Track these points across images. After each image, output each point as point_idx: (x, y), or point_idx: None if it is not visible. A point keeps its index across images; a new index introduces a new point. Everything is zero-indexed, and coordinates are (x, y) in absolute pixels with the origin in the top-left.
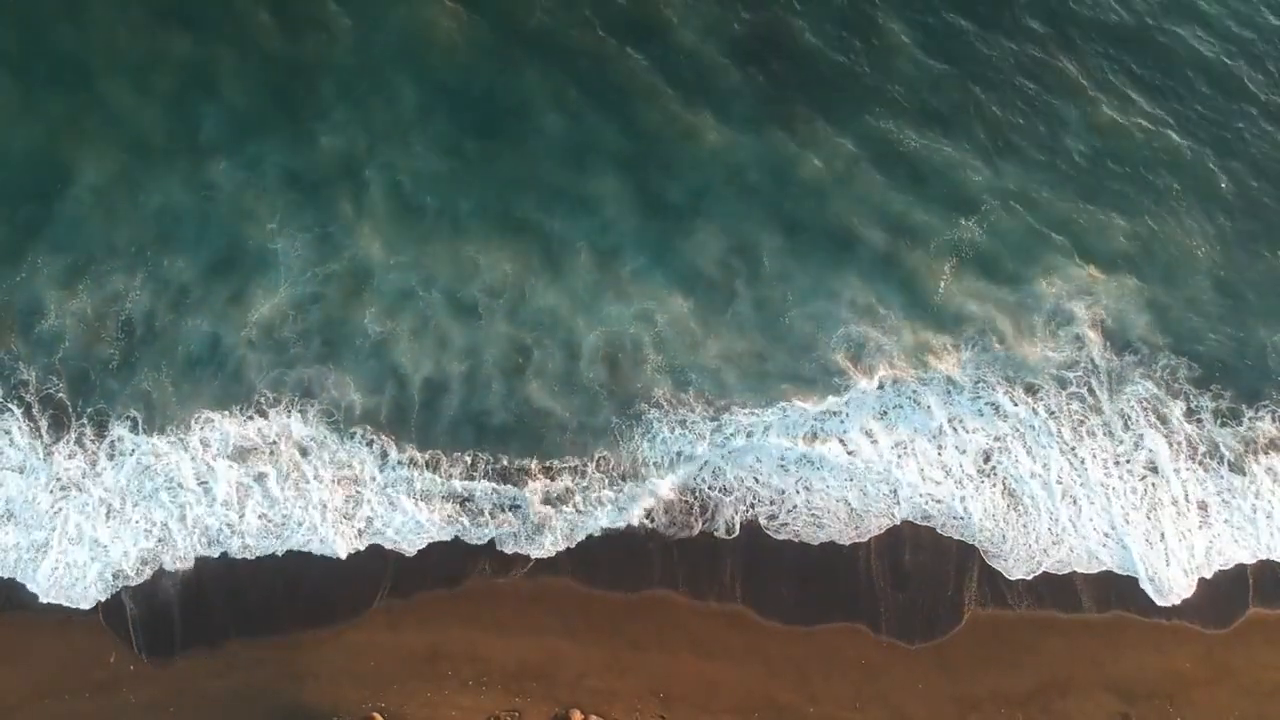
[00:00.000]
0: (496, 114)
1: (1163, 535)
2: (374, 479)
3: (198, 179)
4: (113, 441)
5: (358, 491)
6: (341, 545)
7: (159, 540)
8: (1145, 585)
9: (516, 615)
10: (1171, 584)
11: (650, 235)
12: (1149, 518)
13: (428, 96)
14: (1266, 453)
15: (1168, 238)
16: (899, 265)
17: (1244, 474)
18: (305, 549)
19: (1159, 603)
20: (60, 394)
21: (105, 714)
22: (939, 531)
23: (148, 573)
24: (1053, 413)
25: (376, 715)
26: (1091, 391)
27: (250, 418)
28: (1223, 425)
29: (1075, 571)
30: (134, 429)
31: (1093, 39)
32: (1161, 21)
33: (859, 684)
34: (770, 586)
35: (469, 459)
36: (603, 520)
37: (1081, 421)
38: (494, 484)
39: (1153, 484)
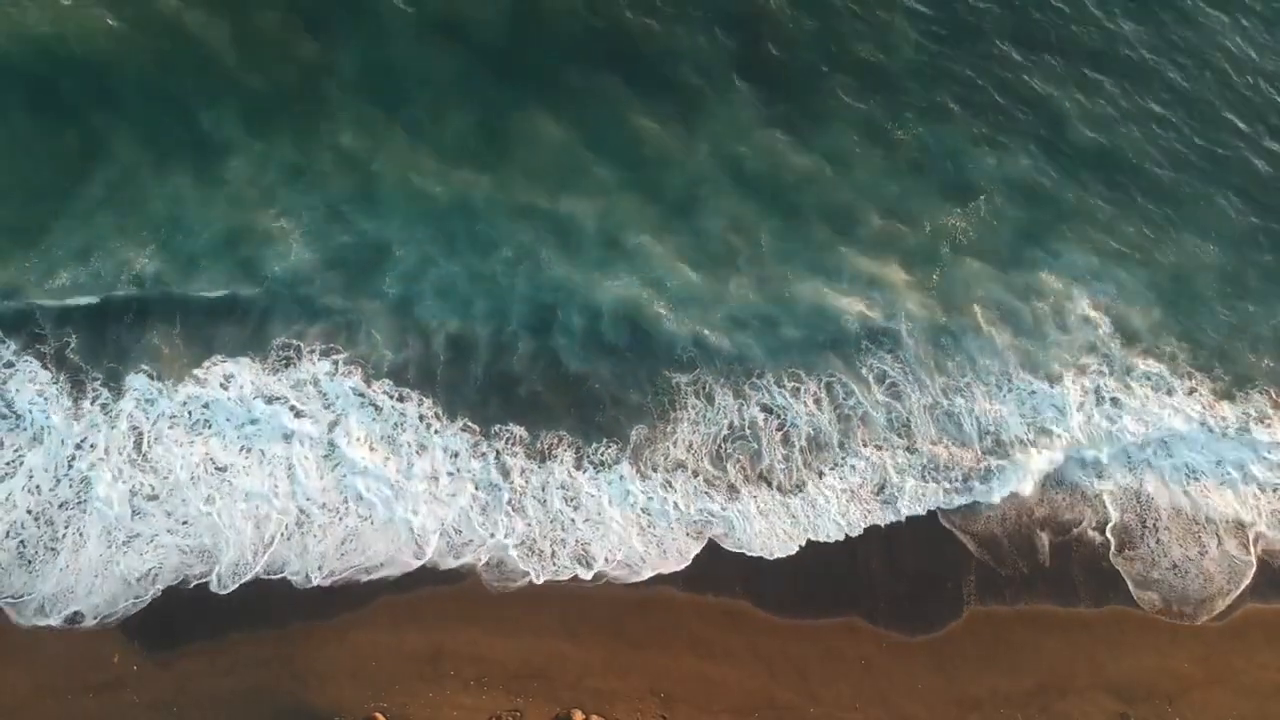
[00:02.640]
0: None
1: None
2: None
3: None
4: (137, 402)
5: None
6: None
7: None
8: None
9: (518, 615)
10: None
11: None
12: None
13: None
14: None
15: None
16: None
17: None
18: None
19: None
20: (77, 355)
21: (108, 714)
22: None
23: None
24: None
25: (378, 715)
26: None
27: (283, 364)
28: None
29: (1073, 567)
30: (148, 384)
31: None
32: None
33: (859, 683)
34: (770, 581)
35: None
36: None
37: None
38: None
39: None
